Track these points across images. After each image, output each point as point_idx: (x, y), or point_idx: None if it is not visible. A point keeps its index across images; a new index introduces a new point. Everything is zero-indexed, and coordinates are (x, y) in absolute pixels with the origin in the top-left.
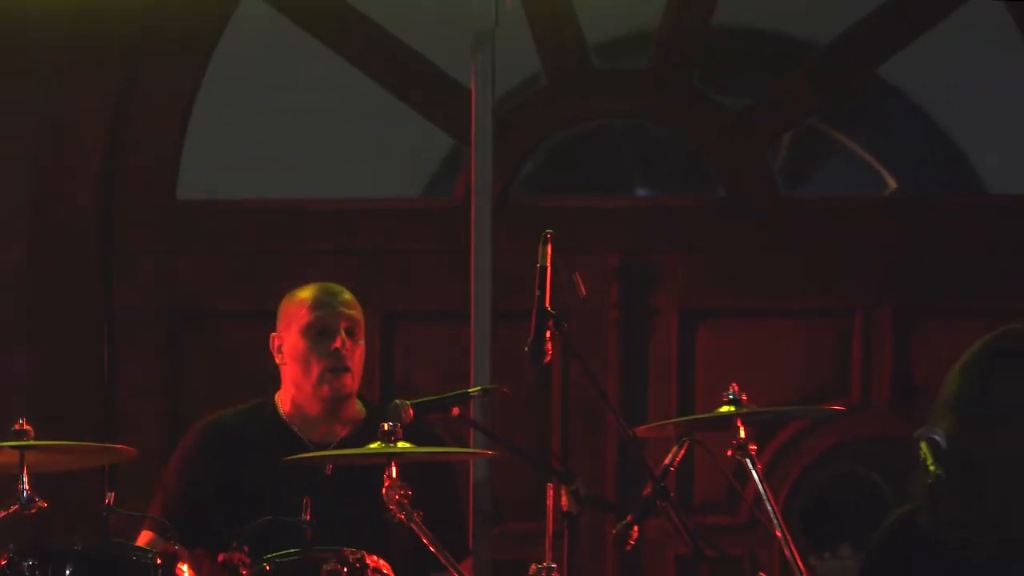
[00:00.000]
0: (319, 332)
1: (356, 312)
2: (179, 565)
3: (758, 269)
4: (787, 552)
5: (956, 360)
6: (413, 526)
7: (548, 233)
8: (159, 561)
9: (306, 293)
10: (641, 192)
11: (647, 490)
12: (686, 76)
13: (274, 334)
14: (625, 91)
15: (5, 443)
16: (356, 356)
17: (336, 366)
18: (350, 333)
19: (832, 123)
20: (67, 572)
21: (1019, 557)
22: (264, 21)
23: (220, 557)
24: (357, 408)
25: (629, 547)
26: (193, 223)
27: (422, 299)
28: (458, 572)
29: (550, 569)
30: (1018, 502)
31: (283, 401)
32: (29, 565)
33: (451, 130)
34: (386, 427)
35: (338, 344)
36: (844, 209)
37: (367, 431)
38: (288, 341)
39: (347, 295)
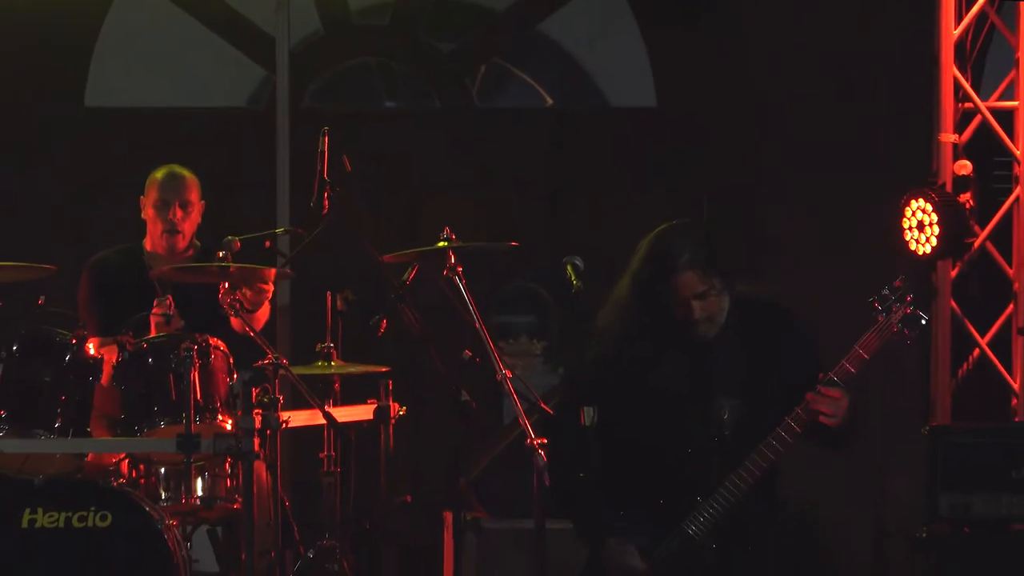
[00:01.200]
0: (162, 204)
1: (189, 190)
2: (87, 344)
3: (464, 158)
4: (483, 337)
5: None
6: (241, 316)
7: (326, 129)
8: (74, 340)
9: (158, 174)
10: (388, 104)
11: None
12: (414, 30)
13: (142, 198)
14: (375, 39)
15: None
16: (187, 221)
17: (171, 229)
18: (183, 205)
19: (510, 61)
20: (14, 347)
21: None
22: None
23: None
24: (195, 248)
25: (379, 334)
26: (96, 123)
27: (244, 175)
28: (269, 349)
29: (329, 347)
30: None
31: (146, 244)
32: None
33: (263, 64)
34: (220, 255)
35: (171, 215)
36: (518, 117)
37: (201, 261)
38: (147, 206)
39: (186, 176)
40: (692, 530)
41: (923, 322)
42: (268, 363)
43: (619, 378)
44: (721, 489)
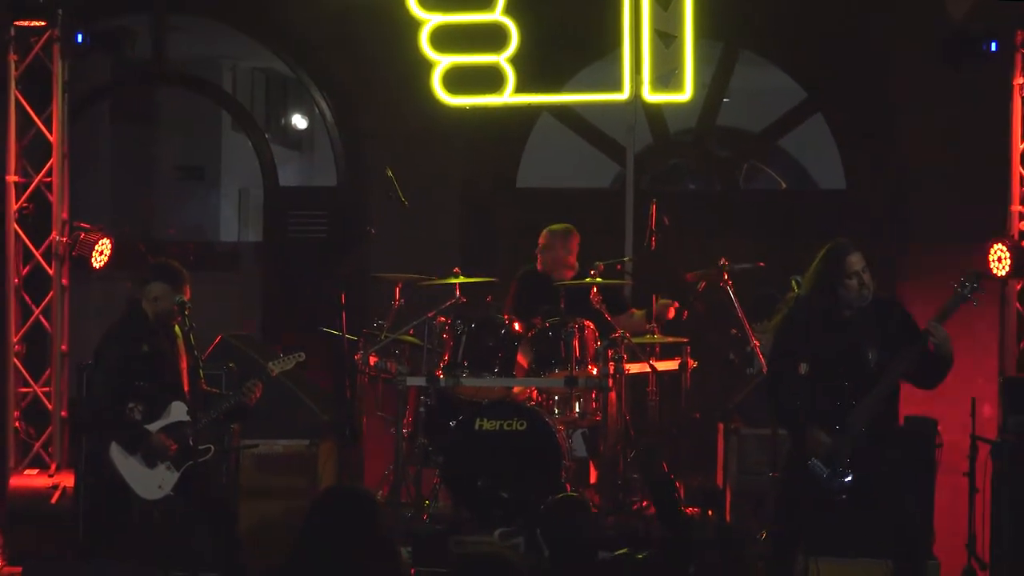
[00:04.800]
0: (553, 244)
1: (572, 238)
2: (514, 323)
3: (733, 218)
4: (743, 321)
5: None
6: (600, 308)
7: (654, 200)
8: (506, 320)
9: (554, 227)
10: (690, 186)
11: (690, 296)
12: (705, 143)
13: (541, 240)
14: (683, 149)
15: None
16: (571, 255)
17: (562, 261)
18: (566, 249)
19: (760, 161)
20: (472, 325)
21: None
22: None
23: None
24: (575, 268)
25: (683, 319)
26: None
27: (604, 226)
28: (617, 327)
29: (652, 327)
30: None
31: (538, 266)
32: None
33: (618, 162)
34: (592, 272)
35: (560, 251)
36: (762, 195)
37: (579, 278)
38: (541, 245)
39: (571, 229)
40: (854, 421)
41: (975, 302)
42: (617, 336)
43: (807, 336)
44: (868, 397)
